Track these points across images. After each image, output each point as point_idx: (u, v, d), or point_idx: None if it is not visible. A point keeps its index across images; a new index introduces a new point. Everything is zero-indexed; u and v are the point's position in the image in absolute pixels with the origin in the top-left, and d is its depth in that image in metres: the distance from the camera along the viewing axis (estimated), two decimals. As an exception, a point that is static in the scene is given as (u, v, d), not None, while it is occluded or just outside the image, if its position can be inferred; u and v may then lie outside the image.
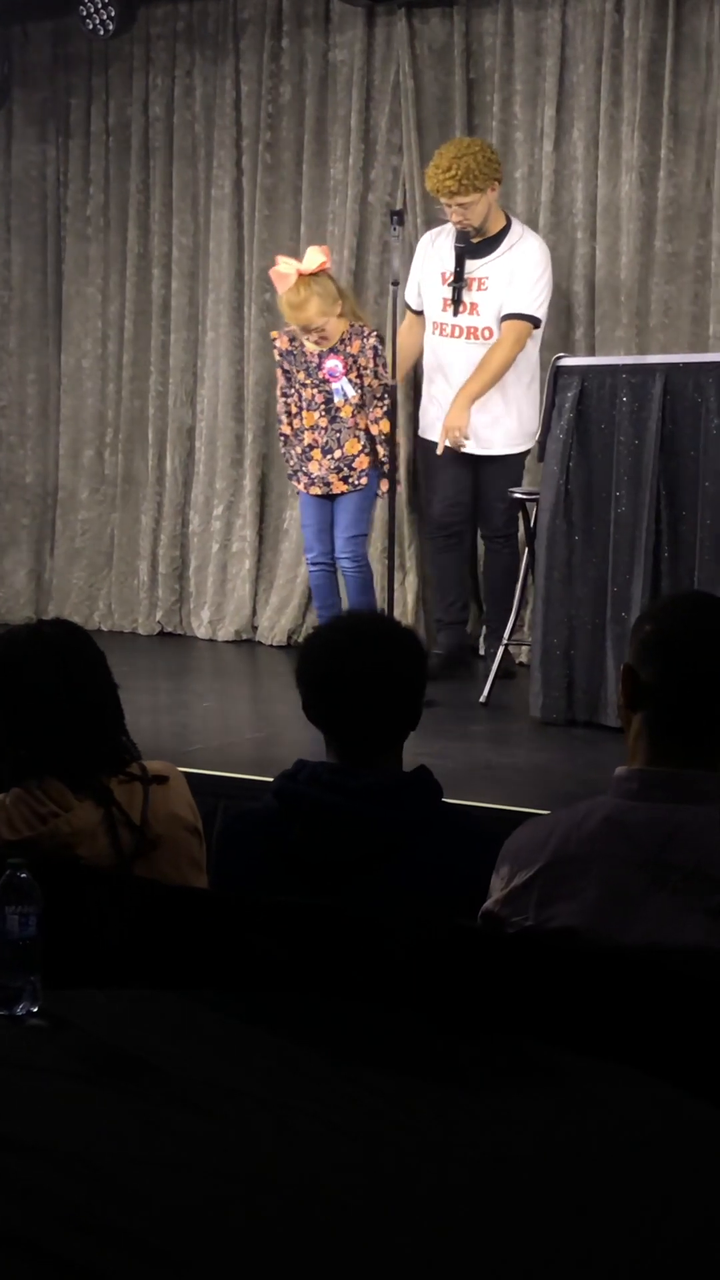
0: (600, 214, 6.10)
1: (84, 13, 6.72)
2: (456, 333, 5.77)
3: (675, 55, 5.95)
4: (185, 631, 7.13)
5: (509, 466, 5.73)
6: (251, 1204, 1.48)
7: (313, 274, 5.53)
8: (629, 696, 2.15)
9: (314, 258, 5.57)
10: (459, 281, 5.76)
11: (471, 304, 5.74)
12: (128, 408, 7.24)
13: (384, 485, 5.72)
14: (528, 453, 5.69)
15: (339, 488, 5.74)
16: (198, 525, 7.11)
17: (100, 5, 6.70)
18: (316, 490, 5.76)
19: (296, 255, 5.77)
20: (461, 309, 5.76)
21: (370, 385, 5.67)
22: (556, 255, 6.17)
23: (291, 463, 5.86)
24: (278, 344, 5.82)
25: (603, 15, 6.07)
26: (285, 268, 5.56)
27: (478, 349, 5.72)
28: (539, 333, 5.73)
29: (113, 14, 6.70)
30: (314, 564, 5.93)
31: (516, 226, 5.76)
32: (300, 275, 5.53)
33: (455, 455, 5.73)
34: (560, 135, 6.19)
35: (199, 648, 6.90)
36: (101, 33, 6.78)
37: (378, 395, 5.67)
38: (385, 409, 5.62)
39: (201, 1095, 1.72)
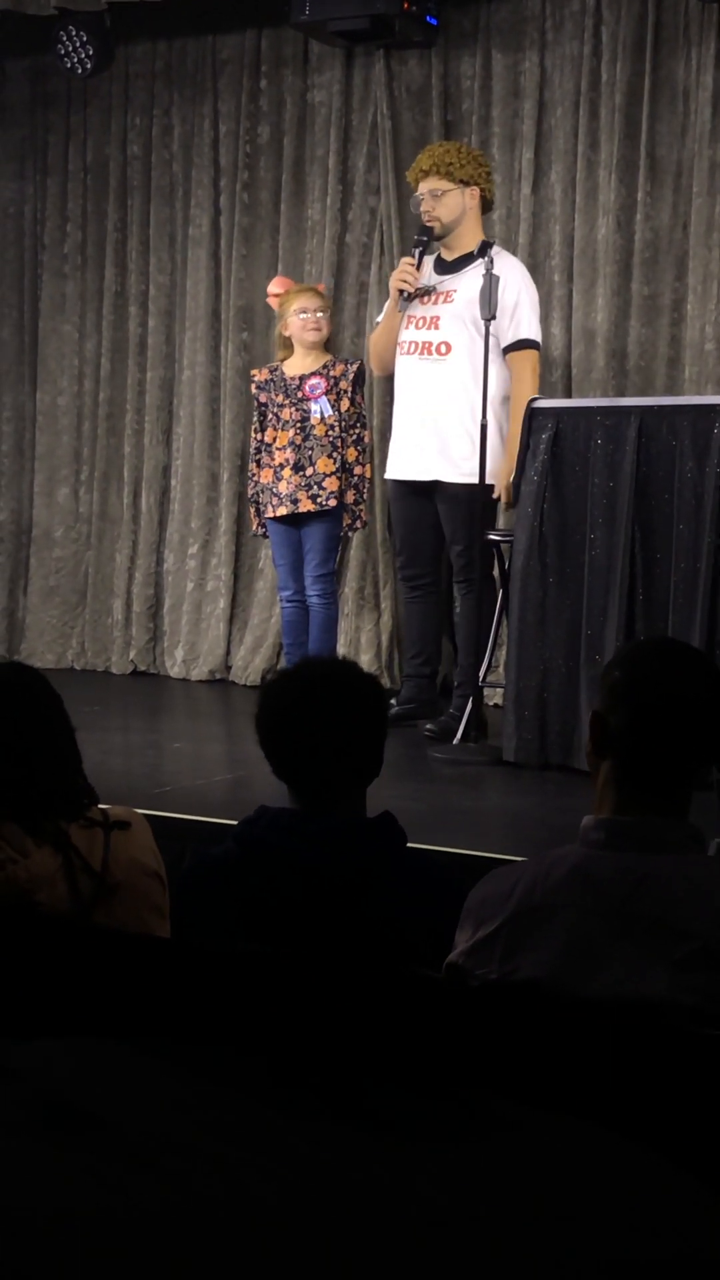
0: (577, 256, 6.13)
1: (62, 51, 6.74)
2: (412, 349, 5.50)
3: (652, 99, 5.99)
4: (159, 671, 7.10)
5: (459, 504, 5.37)
6: (205, 1268, 1.44)
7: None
8: (597, 743, 2.13)
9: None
10: (423, 289, 5.47)
11: (433, 317, 5.47)
12: (103, 445, 7.23)
13: (346, 520, 5.76)
14: (481, 491, 5.22)
15: (306, 506, 5.76)
16: (172, 564, 7.09)
17: (79, 44, 6.72)
18: (284, 510, 5.77)
19: (272, 295, 5.94)
20: (421, 323, 5.48)
21: (346, 412, 5.77)
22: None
23: (256, 494, 5.88)
24: (256, 378, 5.91)
25: (581, 59, 6.11)
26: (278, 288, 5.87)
27: (431, 366, 5.44)
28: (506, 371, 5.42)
29: (91, 52, 6.72)
30: (287, 601, 5.98)
31: (497, 248, 5.45)
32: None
33: (414, 502, 5.52)
34: (538, 177, 6.22)
35: (172, 687, 6.88)
36: (80, 71, 6.80)
37: (350, 423, 5.75)
38: (356, 438, 5.73)
39: (155, 1152, 1.67)
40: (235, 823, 2.53)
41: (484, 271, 5.10)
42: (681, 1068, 1.90)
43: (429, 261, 5.56)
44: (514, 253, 6.19)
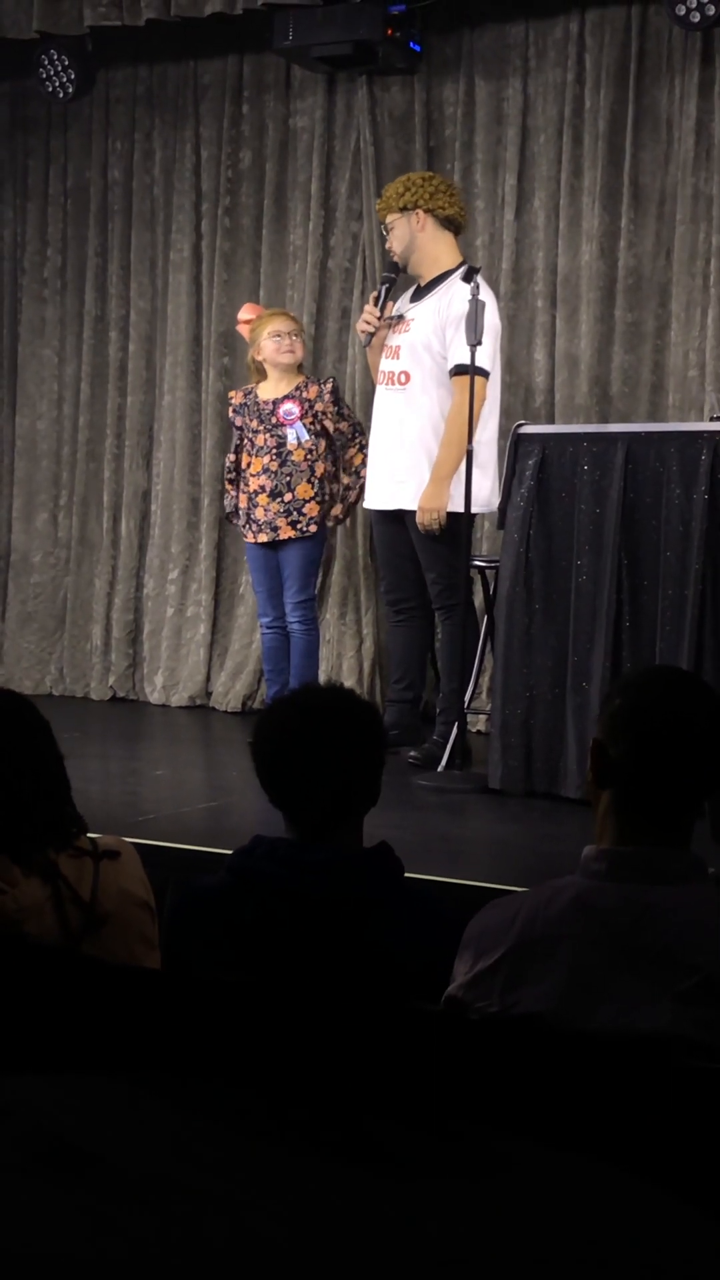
0: (561, 283, 6.14)
1: (43, 75, 6.74)
2: (382, 379, 5.54)
3: (636, 127, 6.02)
4: (138, 697, 7.07)
5: (438, 534, 5.31)
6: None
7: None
8: (597, 773, 2.11)
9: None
10: (382, 311, 5.49)
11: (395, 347, 5.48)
12: (83, 470, 7.20)
13: (337, 510, 5.78)
14: (458, 518, 5.18)
15: (286, 533, 5.77)
16: (152, 589, 7.06)
17: (60, 68, 6.72)
18: (264, 537, 5.77)
19: (243, 323, 6.00)
20: (389, 352, 5.50)
21: (340, 430, 5.78)
22: (517, 322, 6.21)
23: (238, 520, 5.90)
24: (233, 401, 5.92)
25: (564, 86, 6.14)
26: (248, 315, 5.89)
27: (395, 395, 5.45)
28: (494, 387, 5.40)
29: (72, 77, 6.72)
30: (267, 627, 5.98)
31: (461, 271, 5.37)
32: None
33: (391, 529, 5.51)
34: (521, 204, 6.24)
35: (152, 714, 6.85)
36: (61, 95, 6.80)
37: (349, 436, 5.77)
38: (360, 445, 5.73)
39: (152, 1191, 1.64)
40: (219, 851, 2.51)
41: (469, 297, 5.09)
42: (686, 1103, 1.88)
43: (408, 293, 5.61)
44: (496, 279, 6.21)
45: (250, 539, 5.88)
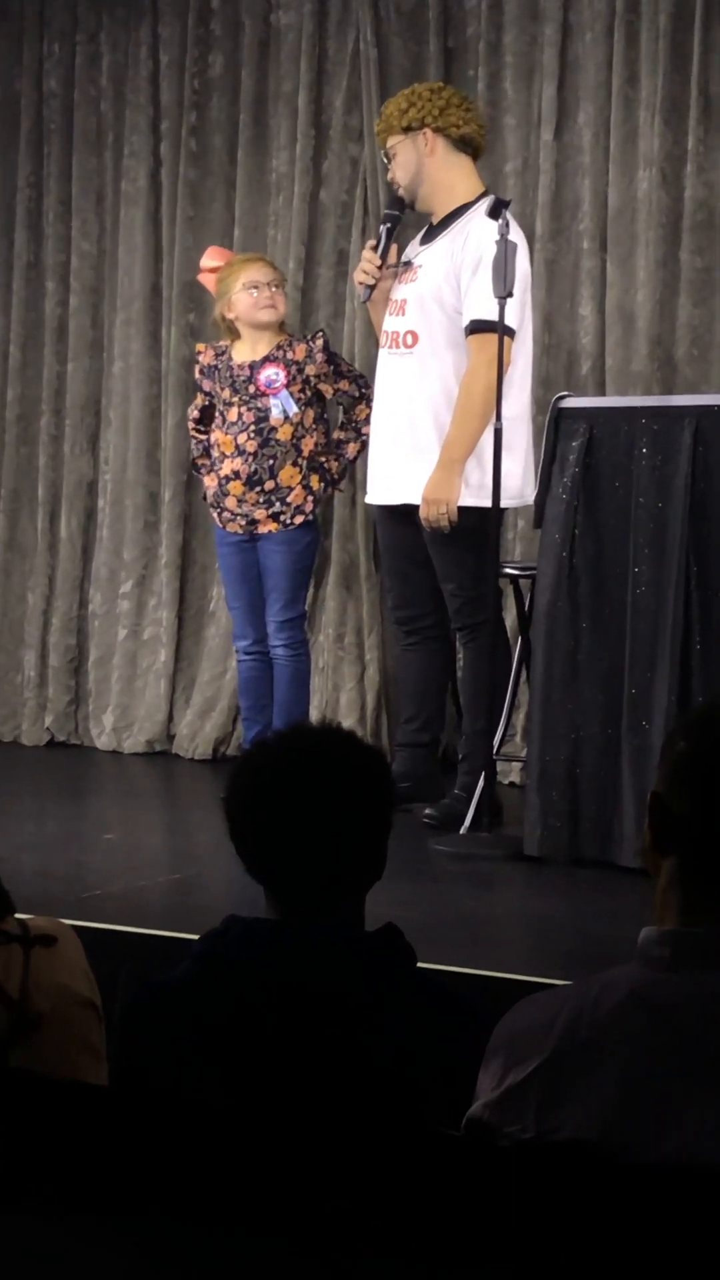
0: (612, 219, 6.17)
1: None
2: (384, 340, 5.59)
3: (706, 22, 6.05)
4: (82, 741, 7.08)
5: (443, 532, 5.34)
6: None
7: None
8: (658, 834, 2.12)
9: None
10: (384, 258, 5.55)
11: (400, 301, 5.53)
12: (12, 456, 7.23)
13: (333, 465, 5.92)
14: (476, 515, 5.27)
15: (268, 526, 5.81)
16: (100, 605, 7.08)
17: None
18: (237, 528, 5.80)
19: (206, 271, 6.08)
20: (393, 307, 5.54)
21: (341, 390, 5.88)
22: (557, 269, 6.24)
23: (209, 489, 6.00)
24: (201, 358, 5.98)
25: (615, -29, 6.16)
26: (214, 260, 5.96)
27: (399, 361, 5.50)
28: (522, 349, 5.42)
29: (-1, -37, 6.78)
30: (245, 653, 6.01)
31: (482, 204, 5.42)
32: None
33: (400, 528, 5.56)
34: (562, 121, 6.27)
35: (100, 762, 6.86)
36: (-16, -14, 6.85)
37: (355, 396, 5.87)
38: (368, 400, 5.78)
39: None
40: (183, 936, 2.51)
41: (497, 238, 5.11)
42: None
43: (419, 235, 5.66)
44: (531, 214, 6.23)
45: (220, 527, 5.93)
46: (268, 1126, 2.04)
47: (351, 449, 5.96)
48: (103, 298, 7.12)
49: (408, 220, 5.89)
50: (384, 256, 5.59)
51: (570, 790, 4.88)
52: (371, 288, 5.62)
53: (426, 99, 5.51)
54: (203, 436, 6.04)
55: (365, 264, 5.62)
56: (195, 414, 6.08)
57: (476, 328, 5.30)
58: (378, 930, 2.45)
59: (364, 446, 5.88)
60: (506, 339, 5.18)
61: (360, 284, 5.67)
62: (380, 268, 5.58)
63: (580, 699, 4.87)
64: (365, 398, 5.87)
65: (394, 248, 5.61)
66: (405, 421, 5.48)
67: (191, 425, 6.11)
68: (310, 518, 5.91)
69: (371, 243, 5.64)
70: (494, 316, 5.16)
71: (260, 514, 5.84)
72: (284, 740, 2.55)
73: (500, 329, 5.12)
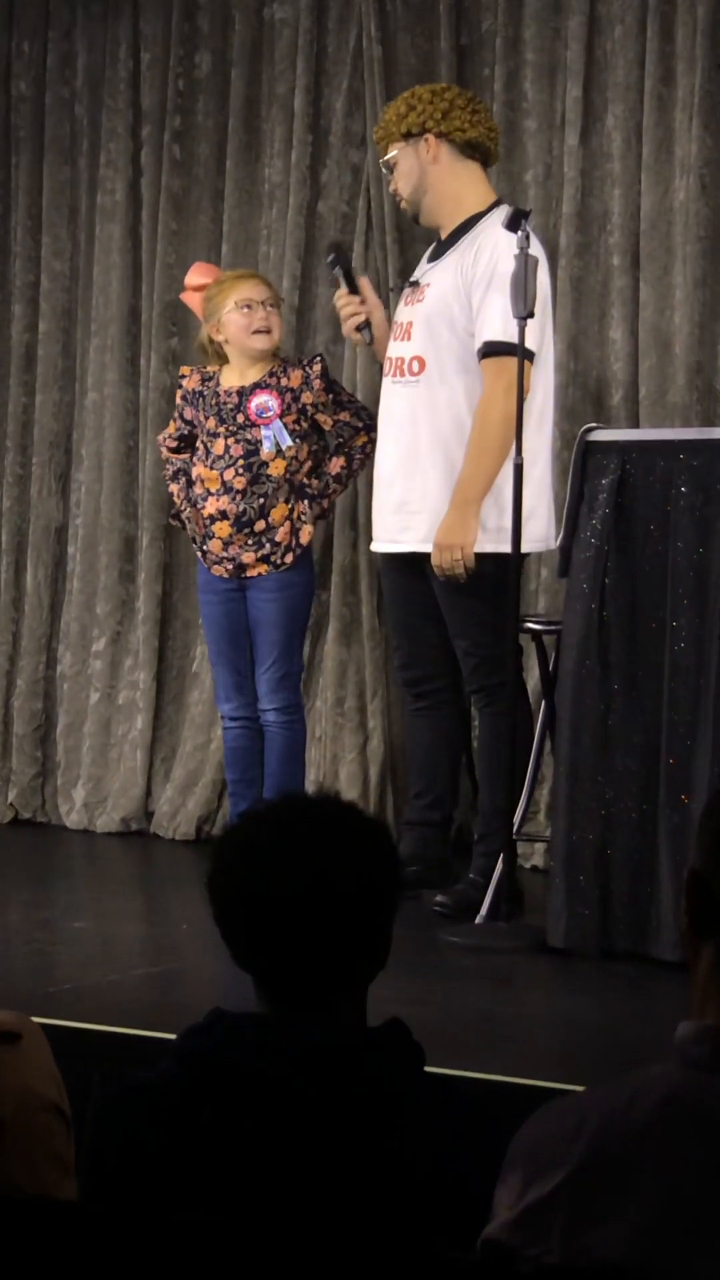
0: (646, 232, 6.20)
1: None
2: (387, 368, 5.64)
3: (751, 15, 6.09)
4: (50, 819, 7.10)
5: (455, 583, 5.35)
6: None
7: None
8: (697, 916, 2.12)
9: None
10: (354, 289, 5.71)
11: (405, 324, 5.57)
12: (-28, 499, 7.25)
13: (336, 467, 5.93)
14: (493, 563, 5.31)
15: (256, 569, 5.82)
16: (70, 666, 7.08)
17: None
18: (223, 571, 5.82)
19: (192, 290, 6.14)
20: (398, 331, 5.60)
21: (341, 421, 5.90)
22: (584, 287, 6.28)
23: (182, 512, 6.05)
24: (185, 382, 6.00)
25: (648, -42, 6.21)
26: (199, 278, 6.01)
27: (404, 390, 5.53)
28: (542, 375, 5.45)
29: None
30: (231, 719, 6.00)
31: (494, 214, 5.50)
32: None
33: (408, 578, 5.59)
34: (589, 124, 6.31)
35: (69, 842, 6.86)
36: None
37: (356, 428, 5.90)
38: (369, 431, 5.82)
39: None
40: (162, 1036, 2.50)
41: (515, 252, 5.13)
42: None
43: (427, 253, 5.72)
44: (554, 226, 6.26)
45: (205, 568, 5.94)
46: (257, 1247, 2.03)
47: (335, 463, 5.95)
48: (75, 322, 7.15)
49: (417, 235, 5.92)
50: (355, 291, 5.70)
51: (600, 874, 4.87)
52: (367, 328, 5.71)
53: (428, 101, 5.56)
54: (178, 456, 6.04)
55: (345, 310, 5.72)
56: (171, 442, 6.08)
57: (491, 350, 5.32)
58: (381, 1026, 2.44)
59: (350, 462, 5.90)
60: (526, 363, 5.20)
61: (353, 333, 5.76)
62: (362, 302, 5.68)
63: (611, 771, 4.86)
64: (367, 429, 5.89)
65: (363, 279, 5.76)
66: (410, 458, 5.50)
67: (164, 441, 6.12)
68: (300, 551, 5.90)
69: (339, 291, 5.74)
70: (511, 338, 5.19)
71: (249, 557, 5.85)
72: (275, 810, 2.54)
73: (520, 353, 5.14)
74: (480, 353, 5.36)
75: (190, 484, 6.00)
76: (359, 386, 6.41)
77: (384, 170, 5.73)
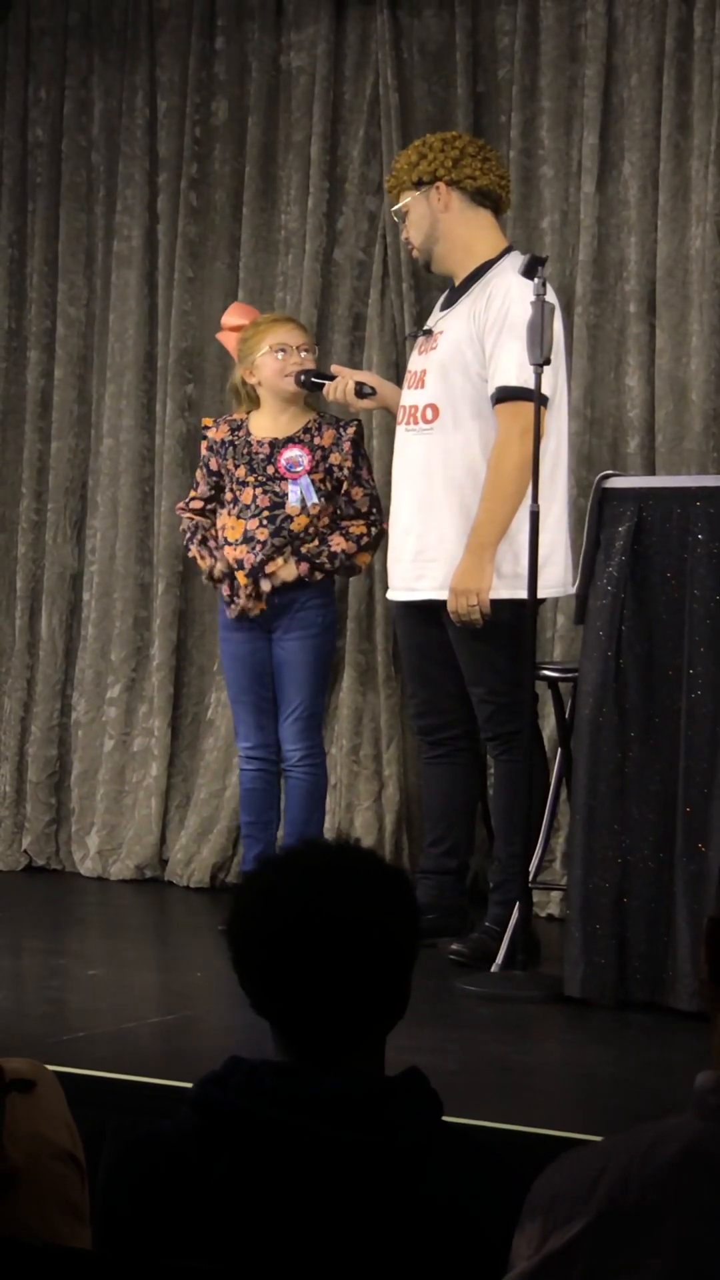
0: (662, 279, 6.21)
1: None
2: (400, 416, 5.66)
3: (767, 62, 6.11)
4: (64, 866, 7.09)
5: (471, 631, 5.37)
6: None
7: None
8: (716, 966, 2.11)
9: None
10: (330, 379, 5.83)
11: (419, 373, 5.59)
12: (-13, 544, 7.26)
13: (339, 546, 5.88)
14: (509, 610, 5.33)
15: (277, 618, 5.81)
16: (84, 713, 7.08)
17: (-38, -13, 6.87)
18: (237, 612, 5.84)
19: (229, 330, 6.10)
20: (412, 379, 5.64)
21: (352, 498, 5.86)
22: (600, 335, 6.29)
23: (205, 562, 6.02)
24: (210, 433, 5.96)
25: (664, 6, 6.23)
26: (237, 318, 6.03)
27: (418, 438, 5.55)
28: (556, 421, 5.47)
29: (-21, -1, 6.87)
30: (249, 758, 5.97)
31: (505, 261, 5.54)
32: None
33: (423, 626, 5.60)
34: (605, 171, 6.34)
35: (84, 889, 6.85)
36: (-37, 25, 6.95)
37: (361, 512, 5.84)
38: (369, 535, 5.81)
39: None
40: (178, 1084, 2.49)
41: (532, 298, 5.15)
42: None
43: (440, 301, 5.75)
44: (570, 273, 6.29)
45: (226, 603, 5.93)
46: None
47: (336, 540, 5.89)
48: (91, 368, 7.17)
49: (433, 283, 5.94)
50: (332, 378, 5.83)
51: (617, 923, 4.85)
52: (372, 392, 5.80)
53: (439, 150, 5.60)
54: (197, 518, 6.01)
55: (338, 394, 5.81)
56: (197, 503, 6.04)
57: (506, 395, 5.34)
58: (399, 1075, 2.44)
59: (345, 539, 5.91)
60: (541, 409, 5.21)
61: (356, 400, 5.83)
62: (364, 388, 5.79)
63: (628, 819, 4.85)
64: (370, 520, 5.89)
65: (334, 367, 5.97)
66: (425, 507, 5.50)
67: (185, 508, 6.09)
68: (322, 611, 5.89)
69: (325, 388, 5.85)
70: (525, 383, 5.20)
71: (259, 607, 5.83)
72: (295, 856, 2.53)
73: (538, 399, 5.15)
74: (494, 398, 5.37)
75: (205, 540, 5.96)
76: (374, 433, 6.42)
77: (396, 219, 5.76)
